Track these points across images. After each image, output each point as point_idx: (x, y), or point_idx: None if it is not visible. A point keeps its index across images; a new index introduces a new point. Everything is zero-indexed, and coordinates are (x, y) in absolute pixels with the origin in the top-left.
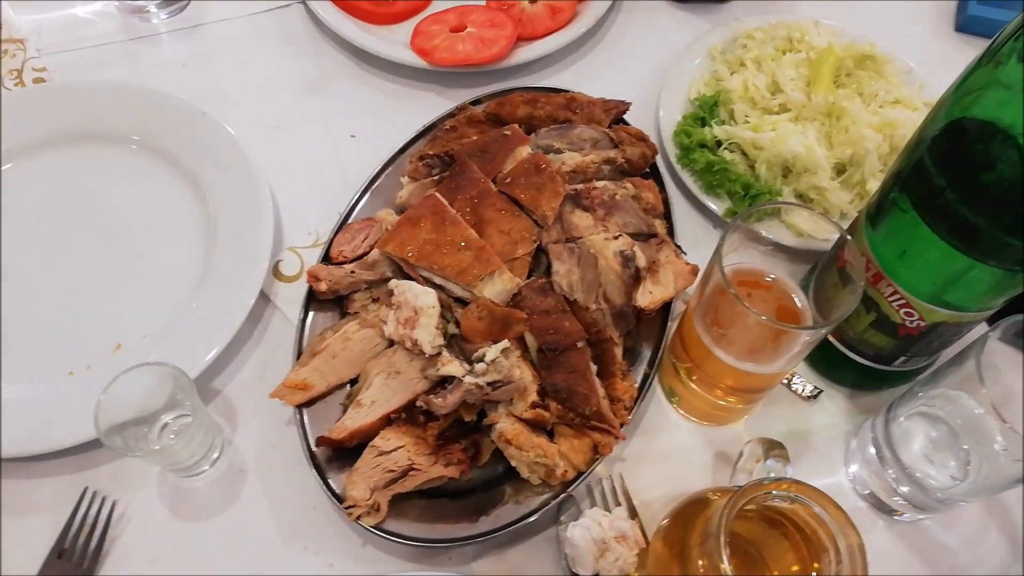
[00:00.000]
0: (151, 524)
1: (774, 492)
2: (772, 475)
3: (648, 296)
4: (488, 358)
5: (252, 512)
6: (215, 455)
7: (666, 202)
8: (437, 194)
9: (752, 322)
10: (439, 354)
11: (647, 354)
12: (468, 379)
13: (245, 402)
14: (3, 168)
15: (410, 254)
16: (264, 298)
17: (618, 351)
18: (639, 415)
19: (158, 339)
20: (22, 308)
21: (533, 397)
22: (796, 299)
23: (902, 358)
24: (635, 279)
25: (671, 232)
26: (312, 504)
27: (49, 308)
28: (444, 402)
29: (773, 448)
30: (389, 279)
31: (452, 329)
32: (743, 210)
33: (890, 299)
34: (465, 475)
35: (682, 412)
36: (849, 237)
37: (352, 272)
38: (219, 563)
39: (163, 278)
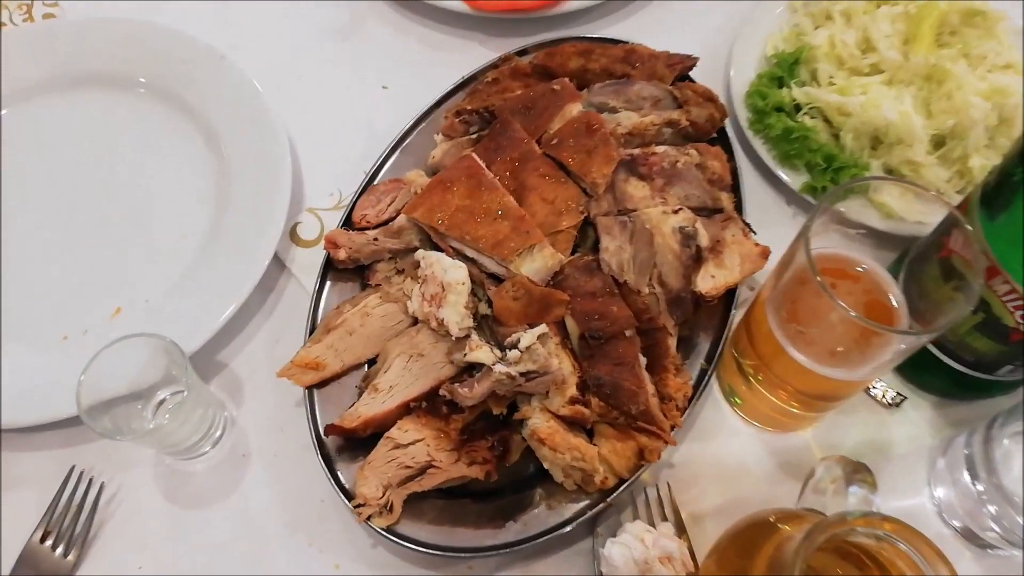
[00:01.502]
0: (143, 508)
1: (860, 529)
2: (854, 503)
3: (710, 280)
4: (523, 344)
5: (254, 501)
6: (217, 433)
7: (734, 173)
8: (474, 155)
9: (839, 320)
10: (467, 337)
11: (705, 347)
12: (499, 367)
13: (252, 378)
14: (1, 113)
15: (440, 222)
16: (278, 264)
17: (672, 342)
18: (692, 416)
19: (161, 305)
20: (15, 266)
21: (572, 391)
22: (891, 295)
23: (1009, 367)
24: (695, 260)
25: (739, 207)
26: (320, 496)
27: (44, 267)
28: (470, 392)
29: (857, 472)
30: (416, 249)
31: (484, 309)
32: (837, 187)
33: (1005, 299)
34: (491, 477)
35: (742, 415)
36: (961, 219)
37: (375, 239)
38: (215, 555)
39: (169, 237)
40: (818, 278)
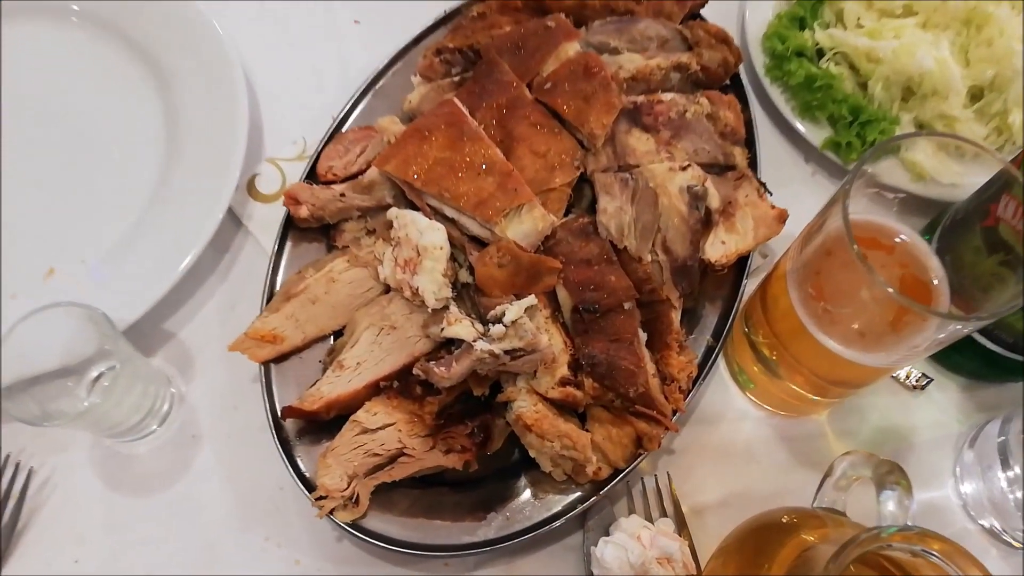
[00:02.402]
0: (79, 495)
1: (897, 545)
2: (890, 512)
3: (720, 247)
4: (508, 318)
5: (204, 488)
6: (164, 409)
7: (749, 124)
8: (456, 100)
9: (872, 298)
10: (446, 308)
11: (712, 321)
12: (480, 344)
13: (204, 350)
14: None
15: (416, 176)
16: (234, 221)
17: (675, 316)
18: (696, 398)
19: (100, 265)
20: None
21: (563, 371)
22: (931, 271)
23: None
24: (704, 224)
25: (753, 164)
26: (278, 483)
27: None
28: (448, 372)
29: (891, 473)
30: (388, 207)
31: (464, 277)
32: (883, 143)
33: None
34: (470, 467)
35: (751, 398)
36: (1020, 179)
37: (342, 195)
38: (159, 549)
39: (110, 189)
40: (855, 247)
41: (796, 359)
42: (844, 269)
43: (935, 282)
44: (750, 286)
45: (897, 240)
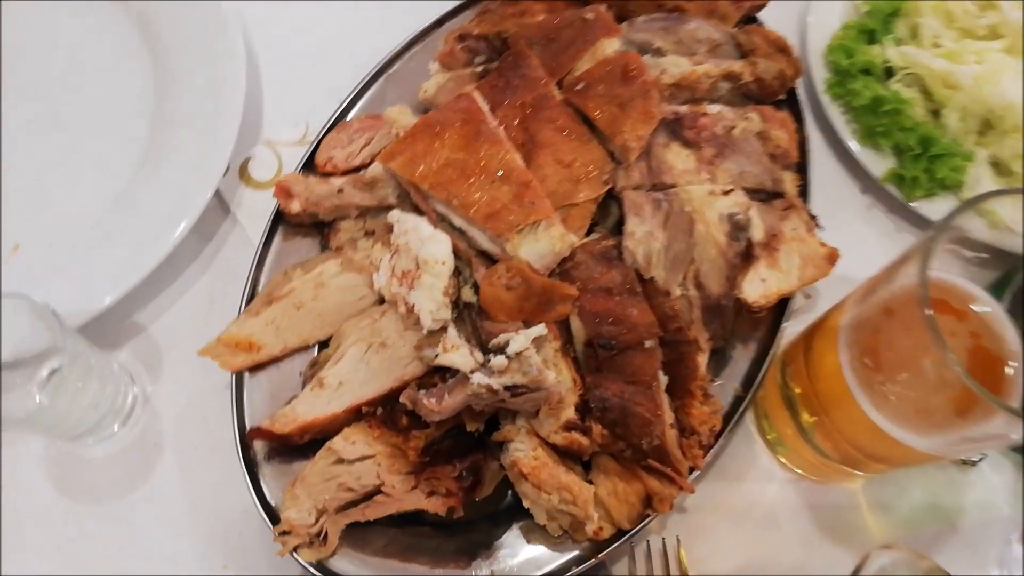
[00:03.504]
0: (26, 498)
1: None
2: None
3: (759, 286)
4: (512, 349)
5: (161, 503)
6: (126, 407)
7: (802, 147)
8: (476, 93)
9: (937, 375)
10: (443, 330)
11: (742, 366)
12: (478, 377)
13: (175, 348)
14: None
15: (423, 177)
16: (222, 206)
17: (702, 360)
18: (717, 450)
19: (70, 245)
20: None
21: (570, 414)
22: (1007, 346)
23: None
24: (744, 257)
25: (804, 193)
26: (243, 506)
27: None
28: (438, 406)
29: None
30: (391, 208)
31: (468, 295)
32: (980, 196)
33: None
34: (454, 513)
35: (779, 458)
36: None
37: (340, 191)
38: (105, 566)
39: (88, 162)
40: (928, 313)
41: (836, 427)
42: (906, 334)
43: (1011, 363)
44: (790, 329)
45: (977, 308)
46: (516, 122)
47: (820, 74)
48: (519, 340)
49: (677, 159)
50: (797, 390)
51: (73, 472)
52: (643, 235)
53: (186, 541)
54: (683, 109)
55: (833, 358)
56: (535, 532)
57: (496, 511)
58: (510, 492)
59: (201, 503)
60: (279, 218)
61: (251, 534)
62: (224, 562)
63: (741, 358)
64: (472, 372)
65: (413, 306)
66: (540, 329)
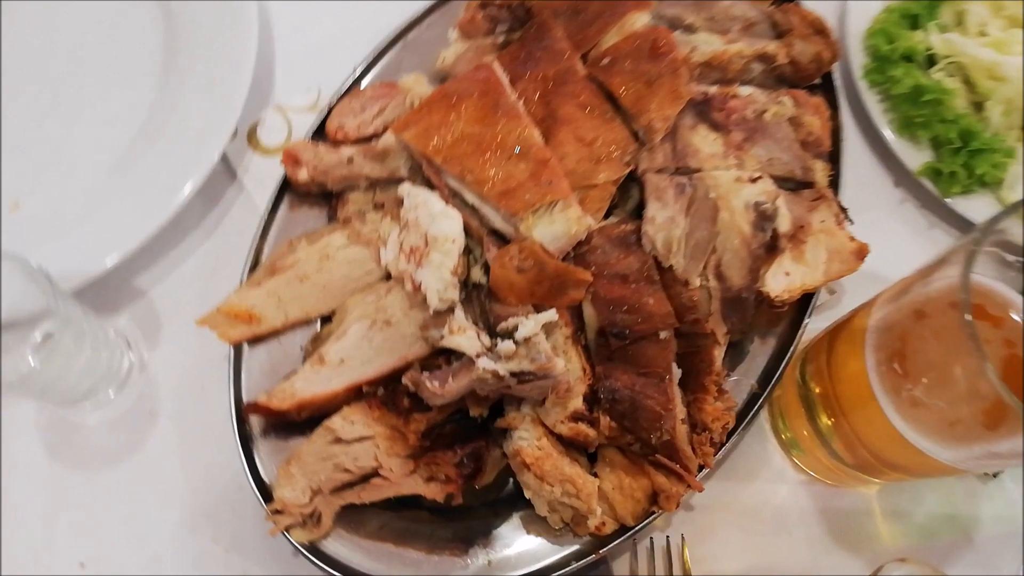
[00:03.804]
0: (17, 462)
1: None
2: None
3: (783, 280)
4: (521, 334)
5: (154, 474)
6: (122, 373)
7: (836, 135)
8: (496, 64)
9: (969, 383)
10: (450, 311)
11: (760, 362)
12: (484, 362)
13: (176, 314)
14: None
15: (436, 150)
16: (228, 171)
17: (718, 354)
18: (728, 448)
19: (71, 206)
20: None
21: (577, 404)
22: None
23: None
24: (769, 249)
25: (835, 183)
26: (237, 481)
27: None
28: (442, 389)
29: None
30: (402, 181)
31: (478, 276)
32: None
33: None
34: (453, 500)
35: (793, 459)
36: None
37: (350, 160)
38: (95, 535)
39: (94, 121)
40: (968, 318)
41: (856, 432)
42: (937, 339)
43: None
44: (812, 326)
45: (1012, 313)
46: (536, 96)
47: (858, 59)
48: (528, 325)
49: (704, 142)
50: (817, 390)
51: (66, 438)
52: (664, 221)
53: (177, 513)
54: (713, 90)
55: (858, 360)
56: (535, 523)
57: (496, 499)
58: (511, 480)
59: (194, 475)
60: (286, 186)
61: (243, 510)
62: (214, 536)
63: (759, 353)
64: (478, 356)
65: (420, 284)
66: (551, 315)
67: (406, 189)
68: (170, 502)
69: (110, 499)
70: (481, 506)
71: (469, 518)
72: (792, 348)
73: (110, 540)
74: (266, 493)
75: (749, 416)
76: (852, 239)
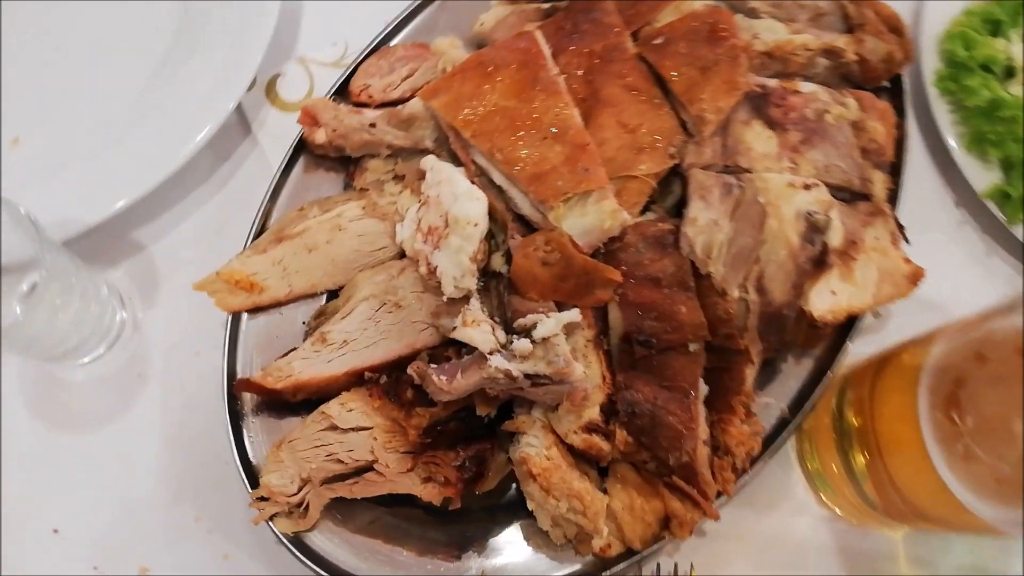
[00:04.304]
0: None
1: None
2: None
3: (828, 299)
4: (539, 333)
5: (139, 440)
6: (113, 330)
7: (900, 145)
8: (538, 33)
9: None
10: (465, 300)
11: (792, 384)
12: (497, 360)
13: (174, 273)
14: None
15: (466, 122)
16: (243, 124)
17: (750, 374)
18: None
19: (74, 148)
20: None
21: (593, 414)
22: None
23: None
24: (817, 264)
25: (894, 198)
26: (225, 457)
27: None
28: (449, 385)
29: None
30: (426, 152)
31: (498, 264)
32: None
33: None
34: (450, 505)
35: (818, 494)
36: None
37: (372, 126)
38: (74, 500)
39: (105, 58)
40: None
41: (893, 475)
42: (1000, 387)
43: None
44: (853, 350)
45: None
46: (580, 73)
47: (931, 63)
48: (548, 324)
49: (757, 140)
50: (855, 423)
51: (50, 394)
52: (706, 223)
53: (159, 485)
54: (772, 83)
55: (908, 399)
56: (536, 536)
57: (496, 505)
58: (514, 486)
59: (180, 446)
60: (302, 146)
61: (230, 488)
62: (196, 514)
63: (792, 375)
64: (491, 353)
65: (435, 268)
66: (573, 314)
67: (430, 162)
68: (153, 472)
69: (90, 462)
70: (480, 510)
71: (466, 522)
72: (829, 373)
73: (87, 506)
74: (253, 475)
75: (776, 443)
76: (907, 261)
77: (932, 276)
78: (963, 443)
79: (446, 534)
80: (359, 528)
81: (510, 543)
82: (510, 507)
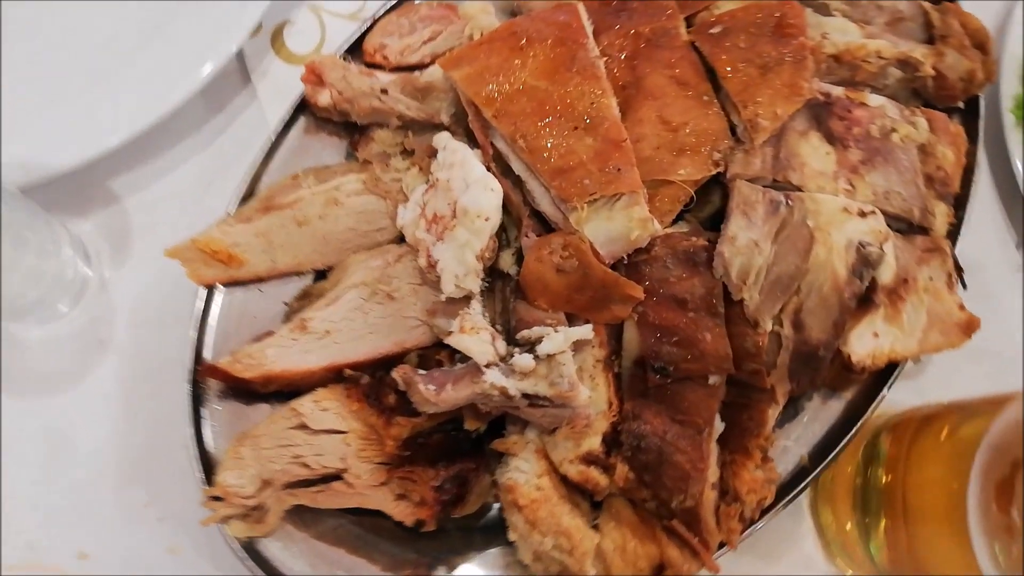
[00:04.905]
0: None
1: None
2: None
3: (870, 342)
4: (544, 349)
5: (91, 413)
6: (74, 288)
7: (968, 175)
8: (582, 6)
9: None
10: (465, 301)
11: (816, 429)
12: (493, 374)
13: (150, 231)
14: None
15: (489, 100)
16: (242, 73)
17: (772, 415)
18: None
19: (51, 81)
20: None
21: (594, 444)
22: None
23: None
24: (862, 301)
25: (954, 234)
26: (184, 441)
27: None
28: (437, 396)
29: None
30: (441, 128)
31: (507, 264)
32: None
33: None
34: (423, 527)
35: (829, 551)
36: None
37: (384, 92)
38: (16, 470)
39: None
40: None
41: (918, 553)
42: None
43: None
44: (890, 397)
45: None
46: (623, 56)
47: (1010, 86)
48: (556, 339)
49: (814, 155)
50: (884, 481)
51: (3, 354)
52: (746, 243)
53: (110, 463)
54: (837, 92)
55: (956, 474)
56: (514, 566)
57: (474, 526)
58: (496, 506)
59: (137, 424)
60: (304, 106)
61: (186, 477)
62: (147, 499)
63: (817, 418)
64: (488, 366)
65: (437, 262)
66: (585, 331)
67: (443, 140)
68: (105, 448)
69: (38, 431)
70: (455, 529)
71: (439, 540)
72: (860, 422)
73: (29, 478)
74: (211, 469)
75: (793, 494)
76: (962, 307)
77: (985, 323)
78: (1019, 546)
79: (416, 551)
80: (322, 534)
81: (485, 569)
82: (488, 530)
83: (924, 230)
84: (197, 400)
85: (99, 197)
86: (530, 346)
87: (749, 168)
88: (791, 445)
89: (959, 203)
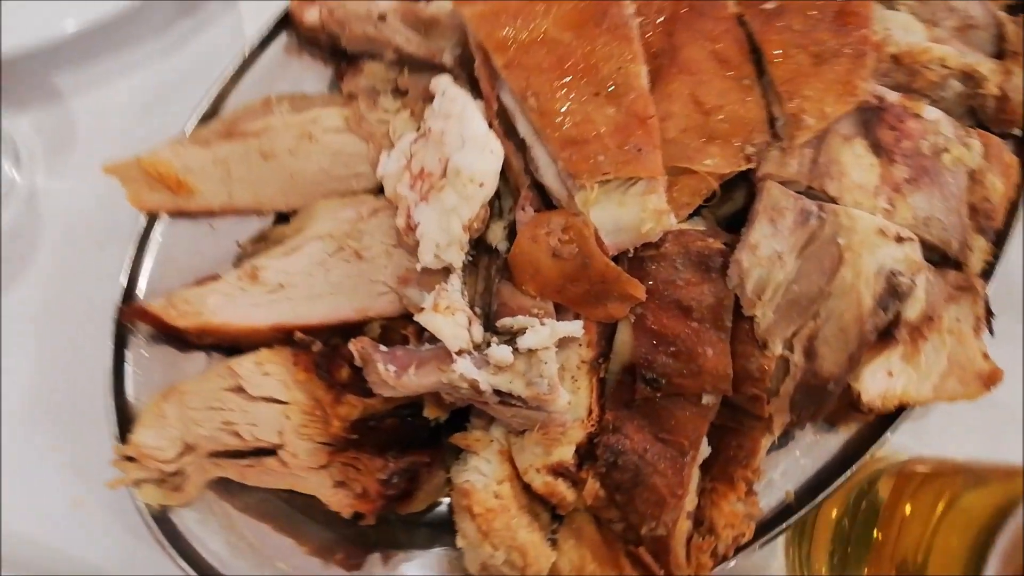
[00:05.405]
0: None
1: None
2: None
3: (883, 381)
4: (526, 342)
5: (5, 332)
6: None
7: (1012, 212)
8: None
9: None
10: (444, 275)
11: (807, 466)
12: (464, 364)
13: (95, 140)
14: None
15: (502, 46)
16: None
17: (764, 445)
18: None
19: None
20: None
21: (566, 454)
22: None
23: None
24: (881, 335)
25: (988, 273)
26: (103, 389)
27: None
28: (396, 378)
29: None
30: (441, 70)
31: (497, 238)
32: None
33: None
34: (363, 521)
35: None
36: None
37: (382, 18)
38: None
39: None
40: None
41: None
42: None
43: None
44: (892, 440)
45: None
46: (660, 20)
47: None
48: (541, 333)
49: (856, 165)
50: (875, 537)
51: None
52: (768, 254)
53: (18, 394)
54: (892, 98)
55: (965, 548)
56: (458, 571)
57: (418, 521)
58: (447, 501)
59: (52, 360)
60: (288, 21)
61: (99, 427)
62: (54, 442)
63: (809, 454)
64: (459, 353)
65: (417, 225)
66: (574, 327)
67: (443, 84)
68: (13, 383)
69: None
70: (398, 521)
71: (377, 529)
72: (856, 464)
73: None
74: (129, 423)
75: (770, 536)
76: (985, 357)
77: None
78: None
79: (349, 533)
80: (246, 507)
81: (422, 567)
82: (434, 526)
83: (958, 265)
84: (121, 341)
85: (41, 93)
86: (510, 337)
87: (783, 169)
88: (777, 479)
89: (998, 240)
